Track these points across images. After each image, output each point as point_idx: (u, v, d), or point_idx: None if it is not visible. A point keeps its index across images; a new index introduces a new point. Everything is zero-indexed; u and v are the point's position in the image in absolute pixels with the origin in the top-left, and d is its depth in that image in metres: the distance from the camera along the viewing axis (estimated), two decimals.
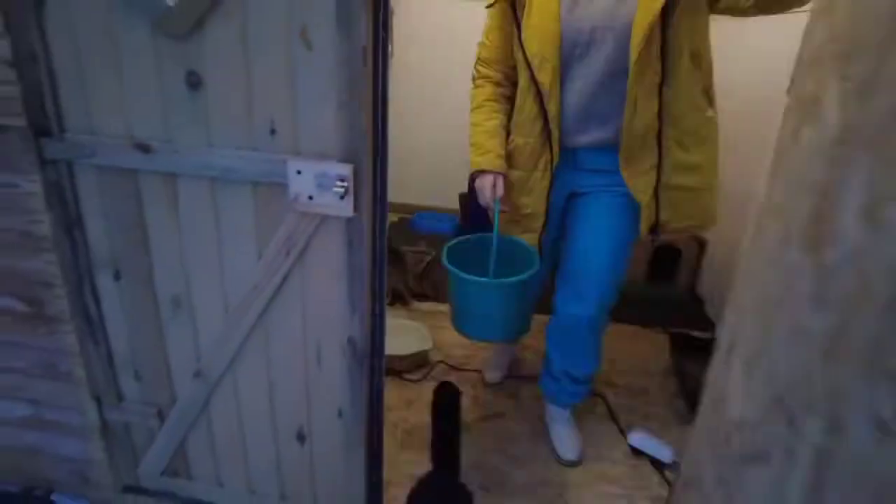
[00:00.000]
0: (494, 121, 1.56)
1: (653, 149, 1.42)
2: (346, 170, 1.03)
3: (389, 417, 1.87)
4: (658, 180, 1.43)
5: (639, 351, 2.28)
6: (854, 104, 0.54)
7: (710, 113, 1.43)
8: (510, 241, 1.61)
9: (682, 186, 1.44)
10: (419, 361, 2.13)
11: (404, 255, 2.86)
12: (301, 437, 1.36)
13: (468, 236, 1.65)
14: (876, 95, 0.51)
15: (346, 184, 1.03)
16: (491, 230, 1.53)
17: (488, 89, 1.59)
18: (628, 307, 1.89)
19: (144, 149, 1.12)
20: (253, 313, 1.22)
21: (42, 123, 1.16)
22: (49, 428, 1.52)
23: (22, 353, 1.43)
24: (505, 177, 1.54)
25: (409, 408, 1.95)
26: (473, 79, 1.63)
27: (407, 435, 1.83)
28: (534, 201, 1.57)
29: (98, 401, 1.43)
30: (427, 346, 2.16)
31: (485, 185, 1.53)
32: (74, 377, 1.42)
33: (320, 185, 1.05)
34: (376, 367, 1.27)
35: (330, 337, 1.22)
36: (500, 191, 1.52)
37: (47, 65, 1.11)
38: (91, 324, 1.34)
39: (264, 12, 0.98)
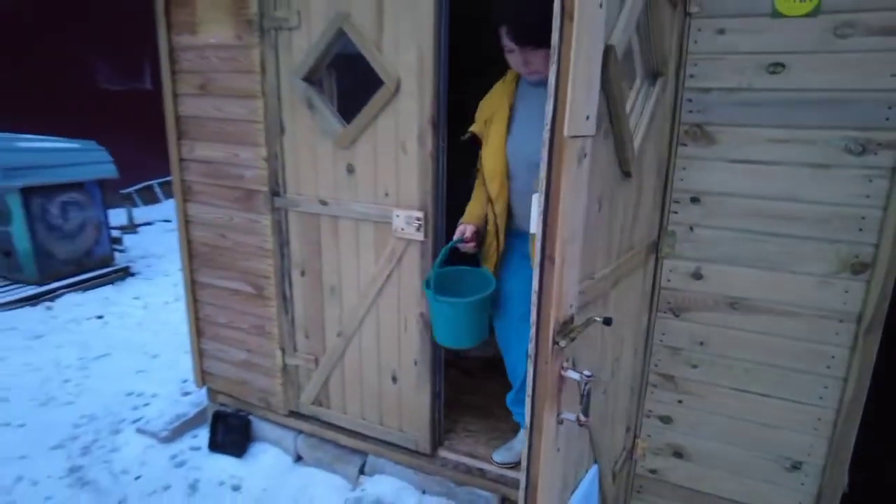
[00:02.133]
0: (477, 201, 2.05)
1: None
2: (420, 214, 2.00)
3: (460, 398, 2.73)
4: None
5: None
6: None
7: None
8: (478, 272, 2.06)
9: None
10: (483, 364, 2.98)
11: None
12: (394, 379, 2.29)
13: (446, 269, 2.03)
14: None
15: (420, 221, 2.00)
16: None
17: (478, 182, 2.06)
18: None
19: (324, 203, 2.22)
20: (371, 296, 2.22)
21: (275, 189, 2.32)
22: (253, 369, 2.64)
23: (246, 319, 2.58)
24: (471, 226, 1.98)
25: (476, 394, 2.78)
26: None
27: (467, 409, 2.66)
28: (488, 264, 2.05)
29: (283, 350, 2.51)
30: (489, 354, 3.00)
31: (458, 228, 2.00)
32: (272, 334, 2.52)
33: (408, 222, 2.03)
34: None
35: (411, 311, 2.16)
36: (466, 234, 1.96)
37: (280, 160, 2.28)
38: (286, 301, 2.44)
39: (385, 135, 2.03)
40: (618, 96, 1.17)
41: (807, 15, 1.46)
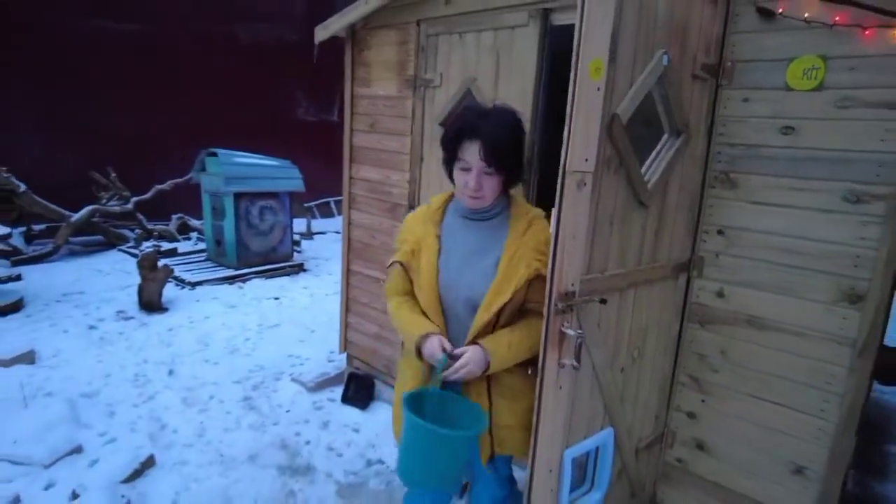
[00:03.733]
0: (417, 310, 1.78)
1: (484, 397, 1.75)
2: None
3: None
4: (491, 422, 1.74)
5: None
6: None
7: (529, 372, 1.78)
8: (463, 402, 1.73)
9: (508, 426, 1.78)
10: None
11: None
12: None
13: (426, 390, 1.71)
14: None
15: None
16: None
17: (400, 298, 1.83)
18: None
19: None
20: None
21: (412, 203, 3.12)
22: (381, 341, 3.45)
23: (381, 300, 3.40)
24: (442, 337, 1.69)
25: None
26: (388, 296, 1.87)
27: None
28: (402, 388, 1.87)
29: None
30: None
31: (434, 344, 1.66)
32: None
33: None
34: None
35: None
36: (447, 345, 1.66)
37: (418, 182, 3.07)
38: None
39: None
40: (622, 147, 1.73)
41: (813, 89, 1.87)
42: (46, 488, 2.69)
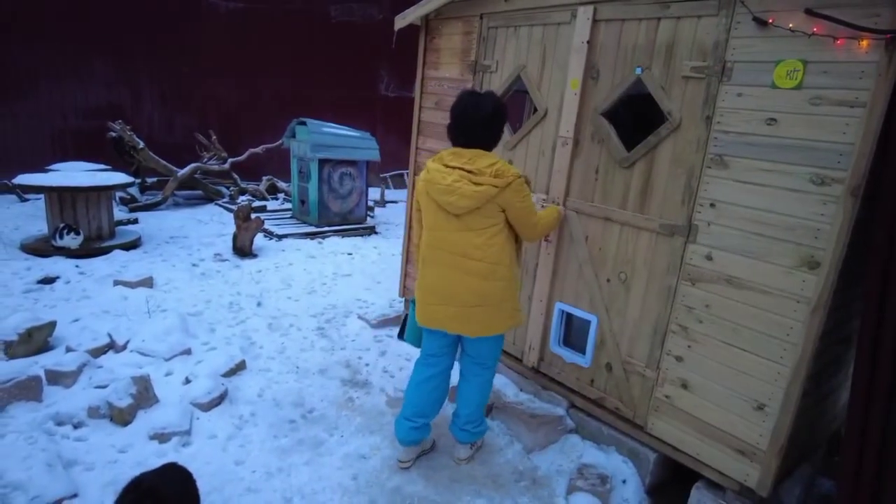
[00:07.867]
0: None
1: None
2: (545, 196, 3.17)
3: None
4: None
5: None
6: None
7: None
8: None
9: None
10: None
11: None
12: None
13: None
14: None
15: (545, 198, 3.17)
16: None
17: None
18: None
19: None
20: None
21: None
22: None
23: None
24: None
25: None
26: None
27: None
28: None
29: None
30: None
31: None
32: None
33: (536, 200, 3.21)
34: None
35: (531, 259, 3.33)
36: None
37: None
38: None
39: (534, 143, 3.24)
40: (598, 126, 2.34)
41: (793, 88, 2.27)
42: (166, 375, 3.52)
